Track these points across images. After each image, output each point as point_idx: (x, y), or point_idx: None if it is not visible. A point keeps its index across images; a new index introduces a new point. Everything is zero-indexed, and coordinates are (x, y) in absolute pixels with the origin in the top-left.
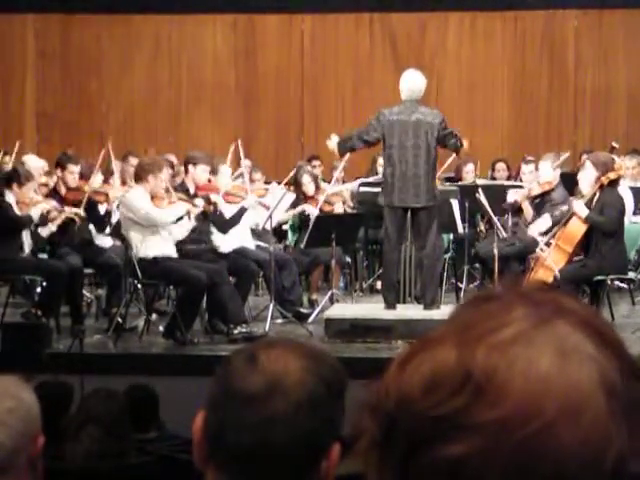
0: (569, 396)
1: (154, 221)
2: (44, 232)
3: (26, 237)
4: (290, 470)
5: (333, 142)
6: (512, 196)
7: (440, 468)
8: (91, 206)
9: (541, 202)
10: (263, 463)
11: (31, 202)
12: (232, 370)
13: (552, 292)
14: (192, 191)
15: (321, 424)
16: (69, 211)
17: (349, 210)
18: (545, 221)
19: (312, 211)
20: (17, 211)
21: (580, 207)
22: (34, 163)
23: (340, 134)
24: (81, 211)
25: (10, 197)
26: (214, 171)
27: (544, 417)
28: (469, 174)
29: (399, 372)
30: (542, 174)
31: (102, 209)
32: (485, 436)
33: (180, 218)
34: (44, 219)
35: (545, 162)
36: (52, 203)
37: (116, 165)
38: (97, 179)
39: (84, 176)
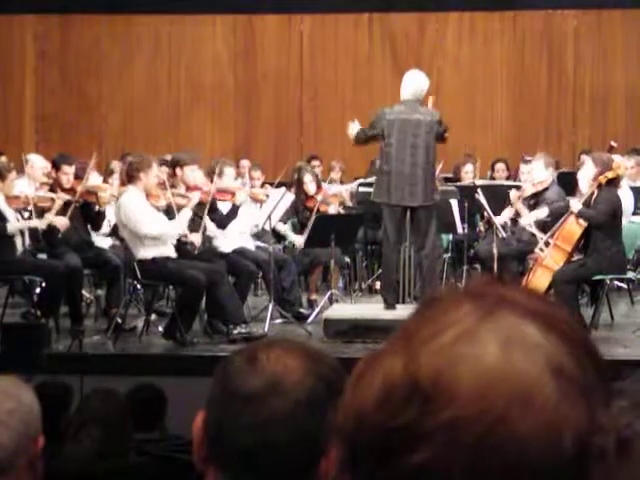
0: (517, 385)
1: (147, 235)
2: (42, 224)
3: (18, 237)
4: (290, 470)
5: (353, 128)
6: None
7: (405, 478)
8: (84, 206)
9: (536, 202)
10: (262, 463)
11: (20, 197)
12: (231, 370)
13: (495, 284)
14: (182, 192)
15: (320, 424)
16: (63, 197)
17: (342, 211)
18: (542, 212)
19: (298, 240)
20: (7, 208)
21: (574, 203)
22: (38, 162)
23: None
24: (66, 218)
25: None
26: (220, 173)
27: (495, 410)
28: (468, 174)
29: (353, 390)
30: (535, 174)
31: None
32: (442, 439)
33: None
34: (40, 210)
35: (537, 162)
36: (41, 193)
37: (115, 165)
38: (93, 179)
39: (78, 176)
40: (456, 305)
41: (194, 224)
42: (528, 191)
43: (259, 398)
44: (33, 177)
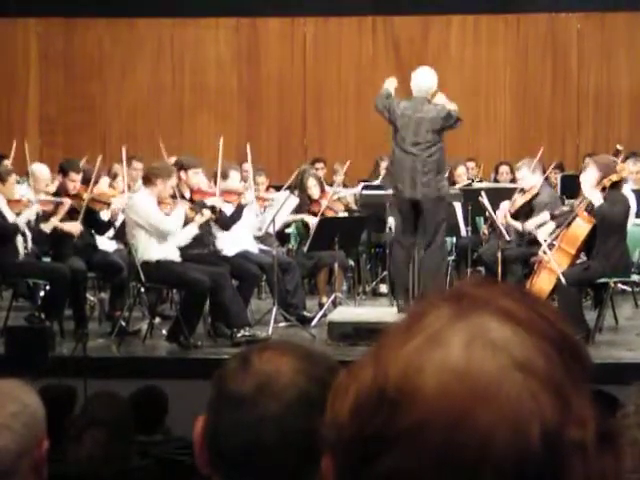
0: (477, 382)
1: (157, 228)
2: (47, 227)
3: (20, 242)
4: (286, 470)
5: (390, 83)
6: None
7: None
8: (90, 213)
9: (531, 209)
10: (256, 464)
11: (22, 201)
12: (225, 373)
13: (478, 285)
14: (188, 196)
15: (315, 425)
16: (68, 201)
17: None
18: (544, 217)
19: (312, 220)
20: (9, 211)
21: (595, 196)
22: (42, 172)
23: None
24: (78, 223)
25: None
26: (224, 175)
27: (457, 408)
28: (461, 176)
29: (333, 404)
30: (524, 181)
31: (105, 214)
32: (408, 442)
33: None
34: (45, 214)
35: (522, 169)
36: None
37: (118, 169)
38: (104, 183)
39: (85, 181)
40: (432, 310)
41: (200, 229)
42: (518, 202)
43: (251, 399)
44: (37, 189)
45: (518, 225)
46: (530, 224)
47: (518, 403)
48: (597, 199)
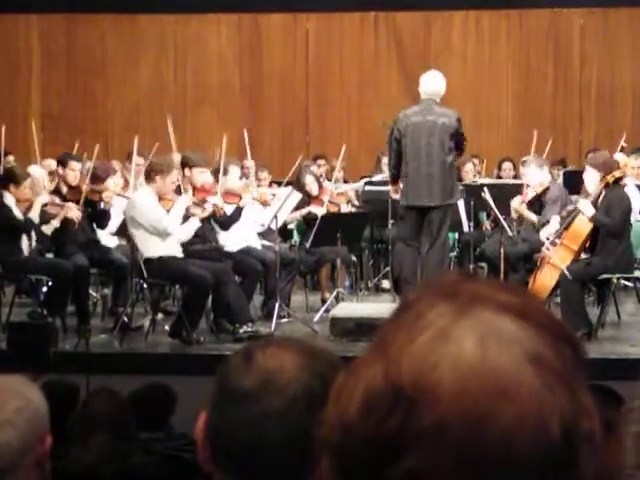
0: (496, 379)
1: (155, 227)
2: (48, 229)
3: (25, 240)
4: (289, 467)
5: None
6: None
7: None
8: (89, 204)
9: (540, 205)
10: (260, 460)
11: (31, 200)
12: (228, 369)
13: (467, 281)
14: (190, 193)
15: (317, 421)
16: (69, 205)
17: (354, 210)
18: (554, 223)
19: (318, 211)
20: (18, 211)
21: (586, 206)
22: (39, 174)
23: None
24: (78, 211)
25: (9, 199)
26: (224, 171)
27: (478, 407)
28: (468, 173)
29: (337, 402)
30: (530, 178)
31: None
32: (428, 443)
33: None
34: (46, 217)
35: (528, 166)
36: (52, 198)
37: (116, 165)
38: (111, 182)
39: (99, 179)
40: (430, 306)
41: (200, 227)
42: (530, 195)
43: (254, 395)
44: (35, 192)
45: (533, 216)
46: (543, 234)
47: (538, 397)
48: (589, 210)
